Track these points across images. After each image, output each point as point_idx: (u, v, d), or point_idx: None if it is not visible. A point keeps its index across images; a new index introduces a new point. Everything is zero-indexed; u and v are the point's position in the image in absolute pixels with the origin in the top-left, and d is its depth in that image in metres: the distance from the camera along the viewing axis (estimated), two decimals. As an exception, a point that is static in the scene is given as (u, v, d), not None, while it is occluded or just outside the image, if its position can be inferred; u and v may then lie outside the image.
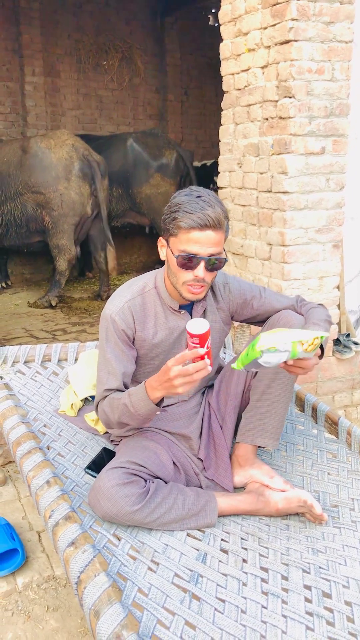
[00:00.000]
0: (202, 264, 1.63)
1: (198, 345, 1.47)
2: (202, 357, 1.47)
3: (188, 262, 1.63)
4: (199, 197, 1.62)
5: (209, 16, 8.36)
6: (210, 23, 8.37)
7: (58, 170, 5.29)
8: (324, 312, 1.89)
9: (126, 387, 1.76)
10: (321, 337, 1.54)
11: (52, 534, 1.51)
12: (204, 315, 1.86)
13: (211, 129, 8.51)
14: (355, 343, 3.27)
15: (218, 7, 3.32)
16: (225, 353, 2.63)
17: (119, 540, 1.59)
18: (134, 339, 1.78)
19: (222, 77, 3.37)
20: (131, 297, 1.78)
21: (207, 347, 1.47)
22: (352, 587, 1.46)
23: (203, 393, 2.03)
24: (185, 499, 1.67)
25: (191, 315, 1.83)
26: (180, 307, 1.81)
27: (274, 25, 2.84)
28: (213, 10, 8.19)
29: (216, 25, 8.31)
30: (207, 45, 8.18)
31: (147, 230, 6.72)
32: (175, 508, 1.65)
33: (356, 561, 1.56)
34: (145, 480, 1.67)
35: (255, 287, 1.96)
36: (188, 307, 1.82)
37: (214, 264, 1.65)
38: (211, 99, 8.59)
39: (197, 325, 1.46)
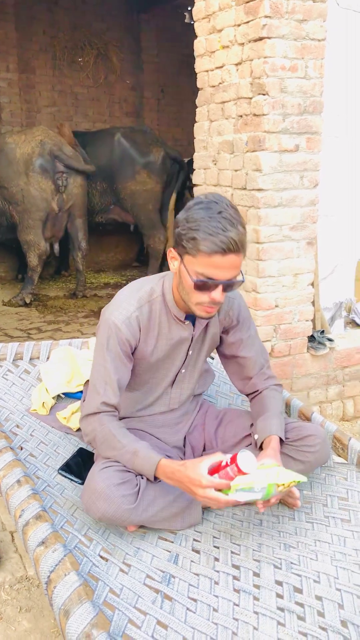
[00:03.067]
0: (220, 287, 1.55)
1: (234, 477, 1.44)
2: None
3: (205, 285, 1.55)
4: (219, 213, 1.49)
5: (185, 14, 8.35)
6: (186, 20, 8.36)
7: (19, 165, 5.33)
8: (281, 402, 1.86)
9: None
10: (298, 482, 1.52)
11: (22, 534, 1.49)
12: (206, 326, 1.82)
13: (188, 127, 8.43)
14: (330, 339, 3.30)
15: (194, 4, 3.31)
16: (213, 358, 2.57)
17: (91, 541, 1.57)
18: (135, 349, 1.72)
19: (197, 74, 3.36)
20: (139, 305, 1.68)
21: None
22: (322, 582, 1.47)
23: (190, 401, 1.99)
24: (174, 498, 1.63)
25: (194, 325, 1.76)
26: (185, 317, 1.74)
27: (248, 22, 2.84)
28: (189, 8, 8.17)
29: (192, 22, 8.31)
30: (184, 43, 8.13)
31: (131, 228, 6.68)
32: (165, 508, 1.63)
33: (327, 556, 1.57)
34: (136, 477, 1.64)
35: (251, 322, 1.91)
36: (192, 318, 1.76)
37: (232, 286, 1.59)
38: (188, 96, 8.54)
39: (248, 462, 1.44)
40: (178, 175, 6.47)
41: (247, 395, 1.95)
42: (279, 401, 1.86)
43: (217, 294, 1.55)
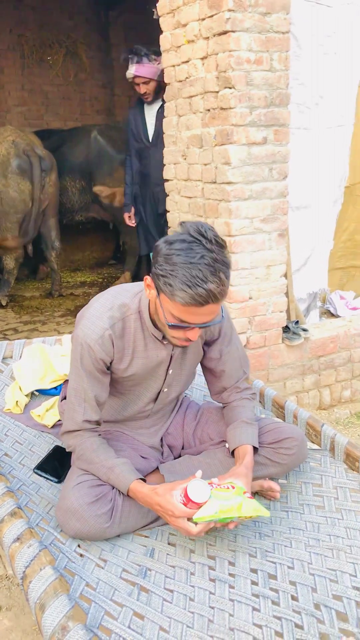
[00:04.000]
0: (196, 329, 1.52)
1: (194, 509, 1.46)
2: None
3: (180, 327, 1.52)
4: (201, 257, 1.39)
5: (153, 10, 8.34)
6: (155, 16, 8.34)
7: None
8: (251, 410, 1.85)
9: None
10: (260, 514, 1.52)
11: (-3, 532, 1.48)
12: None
13: (160, 123, 8.47)
14: (304, 329, 3.32)
15: (159, 0, 3.31)
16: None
17: (66, 538, 1.58)
18: (111, 364, 1.68)
19: (164, 70, 3.36)
20: (112, 322, 1.63)
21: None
22: (296, 568, 1.49)
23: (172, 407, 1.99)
24: (149, 509, 1.61)
25: (172, 345, 1.70)
26: (164, 337, 1.69)
27: (212, 16, 2.84)
28: (157, 3, 8.16)
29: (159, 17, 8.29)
30: (153, 39, 8.11)
31: (111, 226, 6.65)
32: (141, 519, 1.64)
33: (301, 542, 1.59)
34: (112, 489, 1.63)
35: (234, 335, 1.88)
36: None
37: (209, 326, 1.56)
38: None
39: (200, 492, 1.45)
40: None
41: (221, 405, 1.95)
42: (250, 409, 1.85)
43: (193, 334, 1.52)
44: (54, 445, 2.02)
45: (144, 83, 3.97)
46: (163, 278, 1.44)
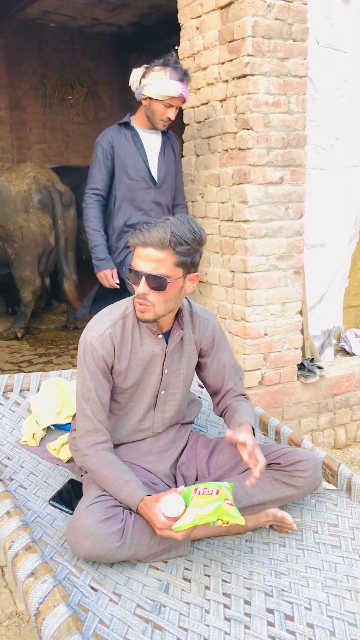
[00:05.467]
0: (143, 279, 1.67)
1: (172, 521, 1.51)
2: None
3: (133, 276, 1.69)
4: (165, 220, 1.68)
5: (172, 52, 8.58)
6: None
7: (17, 202, 5.30)
8: (249, 407, 1.93)
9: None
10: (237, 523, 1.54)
11: (12, 565, 1.48)
12: (181, 342, 1.86)
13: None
14: (319, 367, 3.32)
15: (180, 44, 3.42)
16: (203, 387, 2.57)
17: (81, 571, 1.56)
18: (112, 367, 1.77)
19: (183, 110, 3.45)
20: (112, 322, 1.76)
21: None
22: (314, 609, 1.46)
23: (177, 429, 2.01)
24: (161, 537, 1.61)
25: (167, 343, 1.82)
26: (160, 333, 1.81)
27: (231, 60, 2.94)
28: (176, 47, 8.41)
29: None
30: (171, 81, 8.36)
31: None
32: (153, 544, 1.63)
33: (318, 582, 1.56)
34: (123, 511, 1.64)
35: (226, 342, 1.98)
36: (166, 335, 1.82)
37: (155, 280, 1.67)
38: (175, 131, 8.74)
39: (173, 506, 1.52)
40: None
41: (221, 414, 2.00)
42: (248, 406, 1.92)
43: (141, 287, 1.69)
44: (68, 478, 2.02)
45: (177, 108, 3.00)
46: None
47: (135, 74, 2.97)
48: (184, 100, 2.94)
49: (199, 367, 1.98)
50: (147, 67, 2.94)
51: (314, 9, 3.10)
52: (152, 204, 3.08)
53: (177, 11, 3.40)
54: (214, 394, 2.00)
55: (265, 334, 3.08)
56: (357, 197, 3.66)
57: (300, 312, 3.23)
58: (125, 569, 1.60)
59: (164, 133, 3.12)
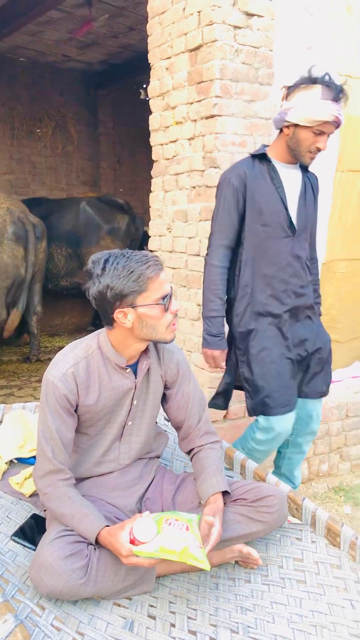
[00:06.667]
0: (173, 299, 1.74)
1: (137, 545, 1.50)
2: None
3: (168, 303, 1.70)
4: (122, 254, 1.68)
5: (141, 90, 8.79)
6: (141, 97, 8.79)
7: None
8: (220, 459, 1.90)
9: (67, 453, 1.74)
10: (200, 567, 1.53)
11: (-28, 605, 1.43)
12: (147, 373, 1.87)
13: (143, 196, 8.76)
14: (283, 402, 3.34)
15: (149, 82, 3.51)
16: (169, 420, 2.56)
17: (43, 610, 1.52)
18: (76, 406, 1.75)
19: (152, 147, 3.52)
20: (75, 361, 1.74)
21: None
22: (280, 646, 1.45)
23: (144, 464, 1.99)
24: (126, 572, 1.60)
25: (135, 375, 1.81)
26: (126, 365, 1.80)
27: (200, 101, 3.02)
28: (144, 85, 8.61)
29: (147, 99, 8.74)
30: (139, 117, 8.53)
31: None
32: (118, 580, 1.60)
33: (284, 618, 1.56)
34: (87, 546, 1.61)
35: (191, 375, 1.98)
36: (133, 367, 1.82)
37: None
38: (143, 167, 8.88)
39: (145, 530, 1.50)
40: (139, 241, 6.75)
41: (187, 453, 1.98)
42: (218, 458, 1.88)
43: (175, 304, 1.73)
44: (31, 513, 1.98)
45: (328, 135, 2.36)
46: (127, 285, 1.64)
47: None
48: (338, 125, 2.33)
49: (164, 399, 1.98)
50: (288, 87, 2.35)
51: (279, 54, 3.23)
52: (290, 258, 2.44)
53: (146, 51, 3.50)
54: (177, 427, 1.98)
55: (231, 368, 3.10)
56: (319, 235, 3.76)
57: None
58: (89, 607, 1.57)
59: (303, 169, 2.51)
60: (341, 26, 3.69)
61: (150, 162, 3.53)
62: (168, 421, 2.52)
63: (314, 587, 1.69)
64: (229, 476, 2.17)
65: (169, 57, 3.25)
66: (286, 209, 2.40)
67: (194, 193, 3.14)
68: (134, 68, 7.71)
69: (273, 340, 2.45)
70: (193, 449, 1.93)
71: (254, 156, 2.43)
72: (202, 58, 2.98)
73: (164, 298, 1.69)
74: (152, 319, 1.69)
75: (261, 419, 2.50)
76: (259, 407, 2.46)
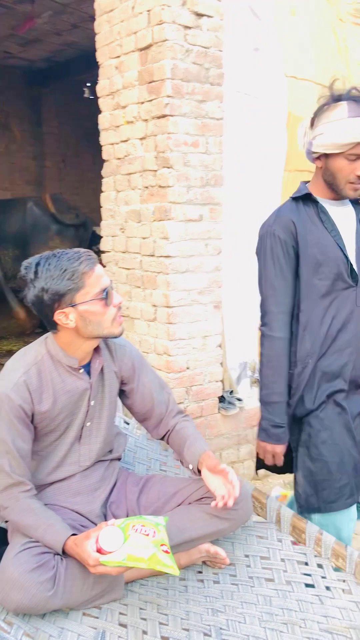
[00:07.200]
0: (113, 291, 1.71)
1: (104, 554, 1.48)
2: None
3: (109, 295, 1.67)
4: (54, 255, 1.66)
5: (85, 89, 8.68)
6: (85, 95, 8.68)
7: None
8: (195, 428, 1.93)
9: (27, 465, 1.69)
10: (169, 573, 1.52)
11: None
12: (101, 373, 1.84)
13: (89, 196, 8.67)
14: (239, 399, 3.38)
15: (93, 81, 3.46)
16: (128, 423, 2.55)
17: (11, 626, 1.48)
18: (32, 415, 1.70)
19: (100, 145, 3.48)
20: (25, 369, 1.69)
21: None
22: (253, 645, 1.46)
23: (106, 466, 1.97)
24: (94, 580, 1.57)
25: (89, 376, 1.79)
26: (79, 366, 1.77)
27: (151, 100, 3.01)
28: (88, 84, 8.51)
29: (91, 97, 8.63)
30: (84, 116, 8.44)
31: None
32: (86, 590, 1.57)
33: (255, 617, 1.56)
34: (54, 556, 1.58)
35: (147, 364, 1.97)
36: (86, 367, 1.79)
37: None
38: (89, 166, 8.79)
39: (111, 540, 1.48)
40: (89, 241, 6.67)
41: (162, 437, 1.97)
42: (194, 428, 1.92)
43: (117, 297, 1.71)
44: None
45: None
46: (62, 284, 1.61)
47: (300, 129, 2.03)
48: None
49: (125, 396, 1.96)
50: (313, 117, 1.96)
51: (228, 55, 3.25)
52: (356, 310, 1.98)
53: (90, 49, 3.45)
54: (147, 418, 1.96)
55: (188, 368, 3.11)
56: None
57: (220, 345, 3.29)
58: (58, 619, 1.53)
59: (354, 203, 2.08)
60: (286, 28, 3.75)
61: (96, 162, 3.50)
62: (128, 424, 2.50)
63: (282, 585, 1.71)
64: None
65: (119, 56, 3.22)
66: (345, 255, 1.95)
67: (147, 193, 3.12)
68: (78, 66, 7.61)
69: (337, 418, 1.99)
70: (168, 430, 1.94)
71: (295, 198, 2.00)
72: (153, 57, 2.96)
73: (103, 292, 1.66)
74: (94, 315, 1.67)
75: (317, 516, 2.00)
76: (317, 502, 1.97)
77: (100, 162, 3.49)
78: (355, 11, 4.36)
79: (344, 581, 1.71)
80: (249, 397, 3.56)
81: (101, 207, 3.54)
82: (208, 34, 3.02)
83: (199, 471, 1.80)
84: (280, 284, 1.94)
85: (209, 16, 3.01)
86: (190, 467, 1.82)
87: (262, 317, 2.01)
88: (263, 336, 2.01)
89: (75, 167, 8.82)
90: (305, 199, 1.98)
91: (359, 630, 1.52)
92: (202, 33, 2.99)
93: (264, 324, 2.00)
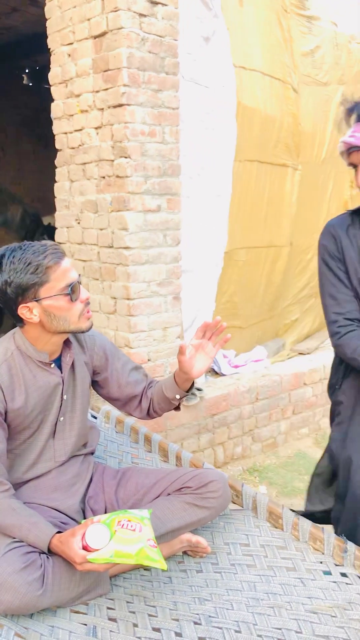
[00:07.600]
0: (81, 285, 1.67)
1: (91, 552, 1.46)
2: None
3: (75, 291, 1.63)
4: (19, 247, 1.63)
5: (23, 75, 8.44)
6: (24, 82, 8.45)
7: None
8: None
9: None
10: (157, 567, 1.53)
11: None
12: (72, 366, 1.81)
13: (29, 185, 8.46)
14: (199, 389, 3.41)
15: (33, 67, 3.38)
16: (95, 417, 2.52)
17: (1, 627, 1.45)
18: (5, 413, 1.67)
19: (41, 134, 3.41)
20: None
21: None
22: (243, 631, 1.48)
23: (81, 461, 1.94)
24: (81, 577, 1.56)
25: (60, 370, 1.77)
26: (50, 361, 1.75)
27: (107, 89, 2.96)
28: (27, 70, 8.28)
29: (30, 84, 8.41)
30: (22, 103, 8.21)
31: None
32: (73, 586, 1.55)
33: (241, 603, 1.59)
34: (40, 555, 1.55)
35: (117, 349, 1.97)
36: (57, 361, 1.77)
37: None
38: (28, 155, 8.56)
39: (98, 537, 1.47)
40: (35, 232, 6.51)
41: (148, 411, 1.99)
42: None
43: (84, 292, 1.67)
44: None
45: None
46: (25, 278, 1.58)
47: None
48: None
49: (99, 385, 1.95)
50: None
51: (180, 45, 3.24)
52: None
53: (30, 34, 3.37)
54: (128, 401, 1.97)
55: (149, 360, 3.10)
56: (221, 225, 3.84)
57: (179, 336, 3.30)
58: (47, 618, 1.51)
59: None
60: (235, 18, 3.77)
61: (36, 150, 3.43)
62: (95, 418, 2.48)
63: (264, 570, 1.74)
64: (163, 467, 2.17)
65: (71, 43, 3.15)
66: None
67: (104, 183, 3.08)
68: (15, 51, 7.38)
69: None
70: (150, 398, 1.95)
71: (354, 212, 1.91)
72: (108, 45, 2.92)
73: (69, 287, 1.63)
74: (60, 310, 1.64)
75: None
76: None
77: (40, 151, 3.42)
78: (298, 2, 4.43)
79: (321, 562, 1.76)
80: (209, 387, 3.59)
81: (55, 197, 3.47)
82: (163, 22, 2.99)
83: (187, 391, 1.87)
84: (336, 291, 1.89)
85: (163, 4, 2.98)
86: (178, 396, 1.86)
87: (328, 326, 1.92)
88: (337, 346, 1.90)
89: (15, 156, 8.57)
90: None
91: (342, 608, 1.58)
92: (157, 21, 2.96)
93: (332, 334, 1.90)
